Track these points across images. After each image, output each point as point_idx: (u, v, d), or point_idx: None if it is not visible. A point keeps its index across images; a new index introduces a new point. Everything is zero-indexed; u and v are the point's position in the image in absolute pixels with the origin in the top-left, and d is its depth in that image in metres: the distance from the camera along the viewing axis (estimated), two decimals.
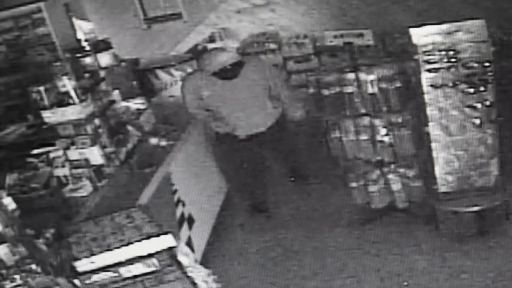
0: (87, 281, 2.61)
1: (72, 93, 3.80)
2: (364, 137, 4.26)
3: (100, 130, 3.98)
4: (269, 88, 4.68)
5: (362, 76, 4.13)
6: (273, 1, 8.43)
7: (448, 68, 3.86)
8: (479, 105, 3.92)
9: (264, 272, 4.29)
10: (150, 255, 2.63)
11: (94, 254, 2.63)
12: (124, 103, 4.58)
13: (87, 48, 4.78)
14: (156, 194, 3.81)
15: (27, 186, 3.63)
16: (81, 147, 3.85)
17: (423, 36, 3.84)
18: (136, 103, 4.72)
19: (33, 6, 6.95)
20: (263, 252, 4.54)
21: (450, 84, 3.90)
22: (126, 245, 2.65)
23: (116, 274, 2.62)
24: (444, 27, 3.82)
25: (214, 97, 4.56)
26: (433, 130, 4.00)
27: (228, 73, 4.45)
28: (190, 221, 4.36)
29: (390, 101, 4.13)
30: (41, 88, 3.81)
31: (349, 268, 4.13)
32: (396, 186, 4.37)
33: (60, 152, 3.84)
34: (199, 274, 2.84)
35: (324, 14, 8.18)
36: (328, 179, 5.15)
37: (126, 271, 2.63)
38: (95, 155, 3.86)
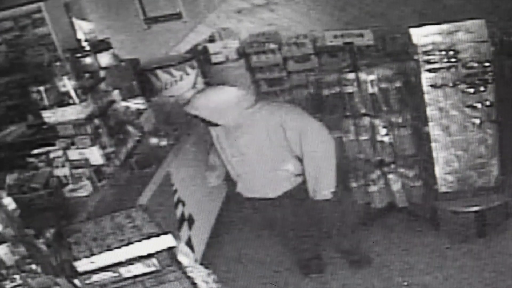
0: (87, 281, 2.60)
1: (72, 93, 3.80)
2: (364, 137, 4.26)
3: (100, 130, 3.98)
4: (290, 147, 3.49)
5: (362, 76, 4.13)
6: (273, 1, 8.43)
7: (448, 68, 3.86)
8: (479, 105, 3.92)
9: (264, 272, 4.29)
10: (150, 255, 2.63)
11: (94, 254, 2.63)
12: (124, 103, 4.58)
13: (87, 48, 4.78)
14: (156, 194, 3.81)
15: (27, 186, 3.63)
16: (81, 147, 3.85)
17: (423, 36, 3.84)
18: (136, 103, 4.72)
19: (33, 6, 6.94)
20: (263, 252, 4.54)
21: (450, 84, 3.90)
22: (126, 245, 2.64)
23: (116, 274, 2.62)
24: (444, 27, 3.82)
25: (219, 141, 3.71)
26: (433, 130, 4.00)
27: (208, 122, 3.60)
28: (190, 221, 4.36)
29: (390, 101, 4.14)
30: (41, 88, 3.80)
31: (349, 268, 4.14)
32: (396, 186, 4.37)
33: (60, 152, 3.84)
34: (199, 274, 2.84)
35: (324, 14, 8.18)
36: None
37: (126, 271, 2.63)
38: (95, 155, 3.86)
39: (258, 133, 3.43)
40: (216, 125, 3.53)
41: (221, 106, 3.44)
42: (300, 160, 3.53)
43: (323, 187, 3.49)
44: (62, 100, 3.82)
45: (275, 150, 3.47)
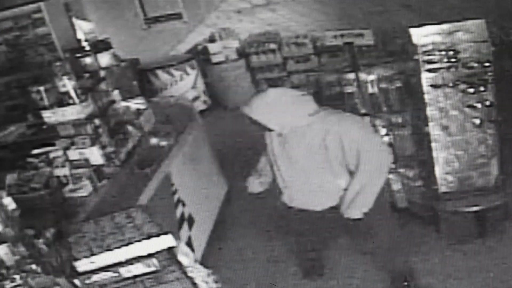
0: (87, 281, 2.61)
1: (72, 93, 3.80)
2: None
3: (100, 130, 3.98)
4: (345, 160, 3.24)
5: (362, 76, 4.13)
6: (273, 1, 8.43)
7: (448, 68, 3.86)
8: (479, 105, 3.92)
9: (264, 272, 4.29)
10: (150, 255, 2.63)
11: (94, 254, 2.63)
12: (124, 103, 4.57)
13: (87, 48, 4.77)
14: (156, 194, 3.81)
15: (27, 186, 3.63)
16: (81, 147, 3.85)
17: (423, 36, 3.84)
18: (136, 103, 4.71)
19: (33, 6, 6.95)
20: (263, 252, 4.54)
21: (450, 84, 3.90)
22: (126, 245, 2.65)
23: (116, 274, 2.62)
24: (444, 27, 3.82)
25: (272, 146, 3.47)
26: (433, 130, 4.00)
27: (265, 127, 3.34)
28: (190, 221, 4.36)
29: (390, 101, 4.13)
30: (41, 88, 3.80)
31: (349, 268, 4.13)
32: (396, 186, 4.37)
33: (60, 152, 3.84)
34: (199, 274, 2.84)
35: (324, 14, 8.19)
36: None
37: (126, 271, 2.63)
38: (95, 155, 3.86)
39: (316, 142, 3.18)
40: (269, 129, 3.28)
41: (284, 109, 3.15)
42: (351, 174, 3.29)
43: (360, 205, 3.23)
44: (62, 100, 3.82)
45: (329, 161, 3.22)
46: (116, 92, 4.49)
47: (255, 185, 3.69)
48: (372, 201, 3.24)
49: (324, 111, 3.23)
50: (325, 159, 3.20)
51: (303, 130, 3.17)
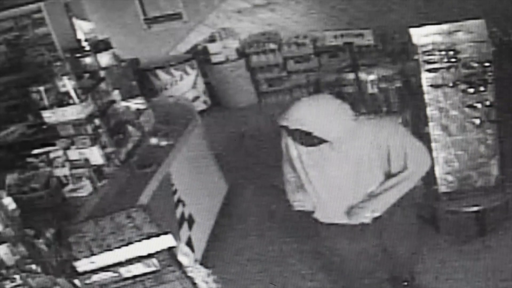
0: (87, 281, 2.60)
1: (72, 93, 3.80)
2: None
3: (100, 130, 3.98)
4: (390, 165, 2.99)
5: (362, 76, 4.13)
6: (273, 1, 8.43)
7: (448, 68, 3.86)
8: (479, 105, 3.92)
9: (264, 272, 4.29)
10: (150, 255, 2.63)
11: (94, 254, 2.63)
12: (124, 103, 4.57)
13: (87, 48, 4.77)
14: (156, 194, 3.81)
15: (27, 186, 3.63)
16: (81, 147, 3.85)
17: (423, 36, 3.84)
18: (136, 103, 4.71)
19: (33, 6, 6.95)
20: (263, 252, 4.54)
21: (450, 84, 3.90)
22: (126, 245, 2.65)
23: (116, 274, 2.62)
24: (444, 27, 3.82)
25: (301, 160, 3.12)
26: (433, 130, 4.00)
27: (304, 139, 2.91)
28: (190, 221, 4.36)
29: (390, 101, 4.13)
30: (41, 88, 3.80)
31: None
32: None
33: (60, 152, 3.84)
34: (199, 274, 2.84)
35: (324, 14, 8.19)
36: None
37: (126, 271, 2.63)
38: (95, 155, 3.86)
39: (360, 149, 2.92)
40: (316, 143, 2.89)
41: (328, 115, 2.86)
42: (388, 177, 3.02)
43: (373, 207, 2.96)
44: (62, 100, 3.82)
45: (372, 170, 2.96)
46: (116, 92, 4.49)
47: (308, 203, 3.22)
48: (388, 205, 2.99)
49: (364, 116, 3.06)
50: (369, 168, 2.95)
51: (348, 138, 2.89)
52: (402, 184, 2.98)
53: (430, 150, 4.04)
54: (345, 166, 2.95)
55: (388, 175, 2.99)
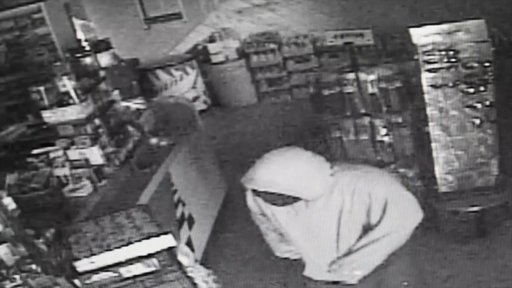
0: (87, 281, 2.60)
1: (72, 93, 3.80)
2: (364, 137, 4.26)
3: (100, 130, 3.98)
4: (369, 217, 2.69)
5: (362, 76, 4.13)
6: (273, 1, 8.43)
7: (448, 68, 3.86)
8: (479, 105, 3.92)
9: (264, 272, 4.29)
10: (150, 255, 2.63)
11: (94, 254, 2.63)
12: (124, 103, 4.58)
13: (87, 48, 4.78)
14: (156, 194, 3.81)
15: (27, 186, 3.63)
16: (81, 147, 3.85)
17: (423, 36, 3.84)
18: (136, 103, 4.72)
19: (33, 6, 6.95)
20: (263, 252, 4.54)
21: (450, 84, 3.90)
22: (126, 245, 2.64)
23: (116, 274, 2.62)
24: (444, 27, 3.82)
25: (276, 218, 2.86)
26: (433, 130, 4.00)
27: (277, 200, 2.59)
28: (190, 221, 4.36)
29: (390, 101, 4.14)
30: (41, 88, 3.80)
31: None
32: None
33: (60, 152, 3.84)
34: (199, 274, 2.84)
35: (324, 14, 8.19)
36: None
37: (126, 271, 2.63)
38: (95, 155, 3.86)
39: (339, 202, 2.65)
40: (290, 202, 2.59)
41: (301, 177, 2.53)
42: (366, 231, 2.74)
43: (352, 264, 2.70)
44: (62, 100, 3.82)
45: (352, 223, 2.69)
46: (116, 92, 4.49)
47: (286, 252, 3.07)
48: (377, 264, 2.72)
49: (340, 168, 2.69)
50: (351, 222, 2.69)
51: (325, 195, 2.62)
52: (384, 240, 2.65)
53: (430, 150, 4.05)
54: (322, 221, 2.70)
55: (367, 228, 2.70)
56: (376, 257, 2.71)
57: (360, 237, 2.70)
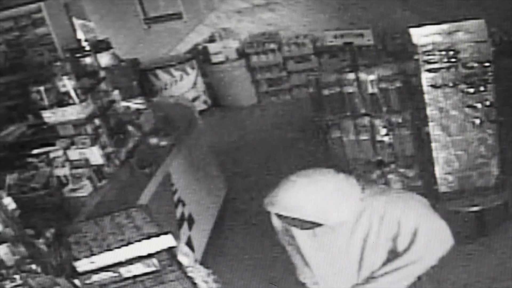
0: (87, 281, 2.60)
1: (72, 93, 3.80)
2: (364, 137, 4.26)
3: (100, 130, 3.98)
4: (395, 244, 2.53)
5: (362, 76, 4.13)
6: (273, 1, 8.43)
7: (448, 68, 3.86)
8: (479, 105, 3.92)
9: (264, 272, 4.30)
10: (150, 255, 2.63)
11: (94, 254, 2.63)
12: (124, 103, 4.58)
13: (87, 48, 4.77)
14: (156, 194, 3.81)
15: (27, 186, 3.63)
16: (81, 147, 3.85)
17: (423, 36, 3.84)
18: (136, 103, 4.71)
19: (33, 6, 6.94)
20: (263, 252, 4.54)
21: (450, 84, 3.90)
22: (126, 245, 2.65)
23: (116, 274, 2.62)
24: (444, 27, 3.82)
25: (297, 240, 2.73)
26: (433, 130, 4.00)
27: (299, 224, 2.43)
28: (190, 221, 4.36)
29: (390, 101, 4.14)
30: (41, 88, 3.80)
31: None
32: (396, 186, 4.37)
33: (60, 152, 3.84)
34: (199, 274, 2.84)
35: (324, 14, 8.19)
36: None
37: (126, 271, 2.63)
38: (95, 155, 3.86)
39: (365, 230, 2.50)
40: (315, 226, 2.44)
41: (329, 202, 2.37)
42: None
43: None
44: (62, 100, 3.82)
45: (377, 249, 2.54)
46: (116, 92, 4.49)
47: (308, 278, 2.87)
48: None
49: (372, 192, 2.53)
50: (376, 249, 2.55)
51: (352, 221, 2.47)
52: (410, 268, 2.54)
53: (430, 150, 4.05)
54: (346, 246, 2.55)
55: (394, 255, 2.56)
56: (399, 286, 2.58)
57: (383, 264, 2.55)
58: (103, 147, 3.96)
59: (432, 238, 2.58)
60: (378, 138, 4.24)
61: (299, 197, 2.36)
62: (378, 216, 2.47)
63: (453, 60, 3.84)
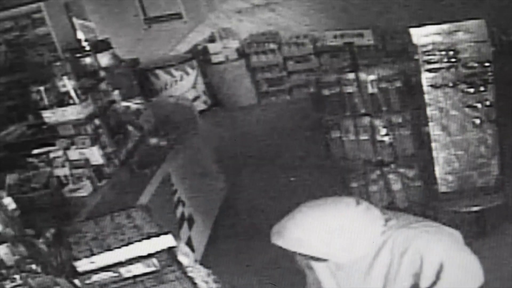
0: (87, 281, 2.60)
1: (72, 93, 3.80)
2: (364, 137, 4.26)
3: (100, 130, 3.98)
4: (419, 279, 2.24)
5: (362, 76, 4.13)
6: (273, 1, 8.43)
7: (448, 68, 3.86)
8: (479, 105, 3.92)
9: (264, 272, 4.29)
10: (150, 255, 2.63)
11: (94, 254, 2.63)
12: (124, 103, 4.58)
13: (87, 48, 4.78)
14: (156, 194, 3.81)
15: (27, 186, 3.64)
16: (81, 147, 3.85)
17: (423, 36, 3.84)
18: (136, 103, 4.72)
19: (33, 6, 6.94)
20: (263, 252, 4.54)
21: (450, 84, 3.90)
22: (126, 245, 2.65)
23: (116, 274, 2.62)
24: (444, 27, 3.82)
25: (315, 270, 2.44)
26: (433, 130, 4.00)
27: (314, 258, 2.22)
28: (190, 221, 4.36)
29: (390, 101, 4.13)
30: (41, 88, 3.81)
31: None
32: (396, 186, 4.37)
33: (60, 152, 3.85)
34: (199, 274, 2.84)
35: (324, 14, 8.19)
36: (327, 179, 5.14)
37: (126, 271, 2.63)
38: (95, 155, 3.86)
39: (385, 265, 2.24)
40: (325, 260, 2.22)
41: (346, 237, 2.12)
42: None
43: None
44: (62, 100, 3.83)
45: (397, 284, 2.30)
46: (116, 92, 4.49)
47: None
48: None
49: (395, 224, 2.27)
50: (395, 282, 2.29)
51: (371, 256, 2.23)
52: None
53: (430, 150, 4.05)
54: (366, 283, 2.30)
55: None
56: None
57: None
58: (103, 147, 3.96)
59: (459, 276, 2.32)
60: (378, 138, 4.24)
61: (307, 232, 2.09)
62: (399, 250, 2.20)
63: (453, 60, 3.84)
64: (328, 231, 2.07)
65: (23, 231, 2.73)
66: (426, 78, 3.90)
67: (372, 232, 2.16)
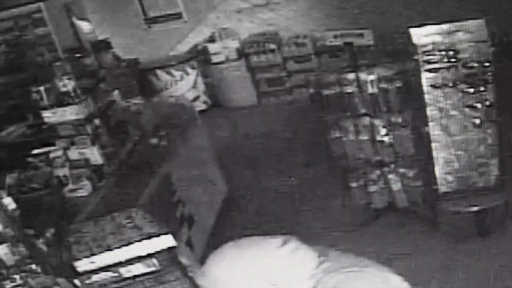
0: (87, 281, 2.61)
1: (72, 93, 3.80)
2: (364, 137, 4.26)
3: (100, 130, 3.98)
4: None
5: (362, 76, 4.13)
6: (273, 1, 8.43)
7: (448, 68, 3.86)
8: (479, 105, 3.92)
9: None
10: (150, 255, 2.63)
11: (94, 254, 2.64)
12: (124, 103, 4.58)
13: (87, 48, 4.78)
14: (156, 194, 3.81)
15: (27, 186, 3.63)
16: (81, 147, 3.85)
17: (423, 36, 3.84)
18: (136, 103, 4.71)
19: (33, 6, 6.95)
20: None
21: (450, 84, 3.90)
22: (126, 245, 2.65)
23: (116, 274, 2.62)
24: (444, 27, 3.82)
25: None
26: (433, 130, 4.00)
27: None
28: (190, 221, 4.36)
29: (390, 101, 4.13)
30: (41, 88, 3.81)
31: None
32: (396, 186, 4.37)
33: (60, 152, 3.84)
34: None
35: (324, 14, 8.18)
36: (327, 179, 5.15)
37: (126, 271, 2.63)
38: (95, 155, 3.86)
39: None
40: None
41: (263, 280, 1.94)
42: None
43: None
44: (62, 100, 3.83)
45: None
46: (116, 92, 4.49)
47: None
48: None
49: (329, 266, 1.99)
50: None
51: None
52: None
53: (430, 150, 4.05)
54: None
55: None
56: None
57: None
58: (103, 147, 3.96)
59: None
60: (378, 138, 4.24)
61: (228, 272, 1.95)
62: None
63: (453, 60, 3.84)
64: (249, 273, 1.93)
65: (23, 231, 2.73)
66: (426, 78, 3.90)
67: (298, 275, 1.95)
